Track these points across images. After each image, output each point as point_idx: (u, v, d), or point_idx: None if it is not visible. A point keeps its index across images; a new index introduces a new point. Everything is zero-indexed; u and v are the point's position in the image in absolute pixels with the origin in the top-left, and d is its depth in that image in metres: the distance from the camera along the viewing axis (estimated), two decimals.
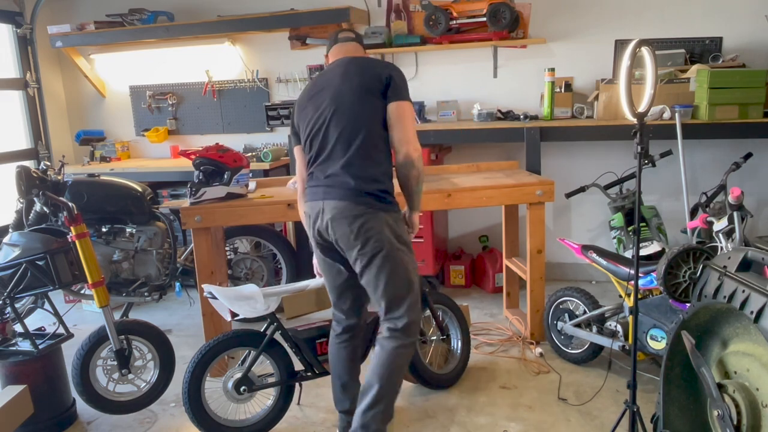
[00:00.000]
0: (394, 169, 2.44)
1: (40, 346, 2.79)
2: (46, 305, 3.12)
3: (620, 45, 4.28)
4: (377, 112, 2.35)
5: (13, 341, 2.86)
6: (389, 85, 2.35)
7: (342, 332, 2.63)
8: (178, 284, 4.02)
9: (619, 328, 3.03)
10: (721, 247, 2.80)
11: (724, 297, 1.94)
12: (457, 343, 3.23)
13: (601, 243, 4.41)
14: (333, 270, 2.51)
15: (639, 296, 2.78)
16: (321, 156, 2.41)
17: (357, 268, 2.38)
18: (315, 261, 2.74)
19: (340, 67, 2.46)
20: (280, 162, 4.66)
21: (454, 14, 4.32)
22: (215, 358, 2.72)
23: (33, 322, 3.34)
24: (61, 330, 2.91)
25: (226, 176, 3.27)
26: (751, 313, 1.80)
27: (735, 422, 1.90)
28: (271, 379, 2.80)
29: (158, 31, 4.72)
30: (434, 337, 3.15)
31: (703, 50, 4.15)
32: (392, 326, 2.39)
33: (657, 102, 3.76)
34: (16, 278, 2.80)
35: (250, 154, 4.66)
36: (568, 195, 3.97)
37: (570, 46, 4.41)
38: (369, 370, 2.40)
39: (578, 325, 3.22)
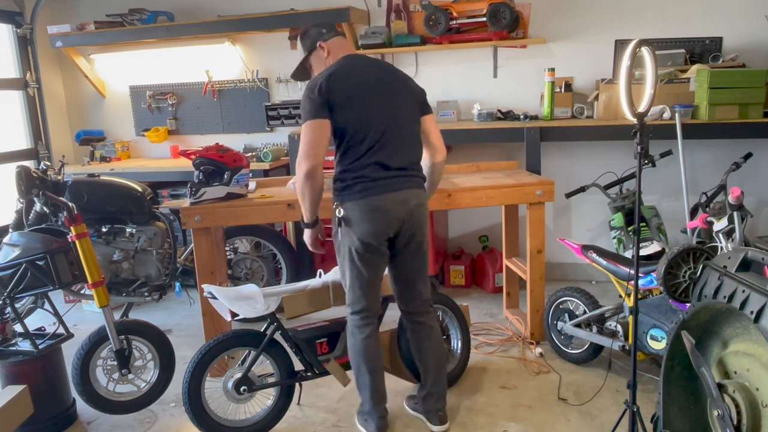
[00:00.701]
0: None
1: (40, 346, 2.79)
2: (46, 305, 3.12)
3: (620, 45, 4.28)
4: (418, 118, 2.64)
5: (13, 341, 2.86)
6: (424, 98, 2.69)
7: (375, 326, 2.66)
8: (178, 284, 4.02)
9: (619, 328, 3.03)
10: (721, 247, 2.80)
11: (724, 297, 1.94)
12: (457, 343, 3.23)
13: (601, 243, 4.41)
14: (382, 263, 2.60)
15: (639, 296, 2.78)
16: (387, 148, 2.47)
17: (411, 254, 2.61)
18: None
19: (376, 68, 2.60)
20: (280, 162, 4.66)
21: (454, 14, 4.32)
22: (215, 358, 2.72)
23: (33, 322, 3.34)
24: (61, 330, 2.91)
25: (226, 176, 3.27)
26: (751, 313, 1.80)
27: (735, 422, 1.90)
28: (271, 379, 2.79)
29: (158, 31, 4.72)
30: None
31: (703, 50, 4.15)
32: (431, 306, 2.77)
33: (657, 102, 3.76)
34: (16, 278, 2.80)
35: (250, 154, 4.67)
36: (568, 195, 3.97)
37: (570, 46, 4.41)
38: (435, 353, 2.73)
39: (578, 325, 3.22)
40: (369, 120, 2.45)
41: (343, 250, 2.55)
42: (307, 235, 2.65)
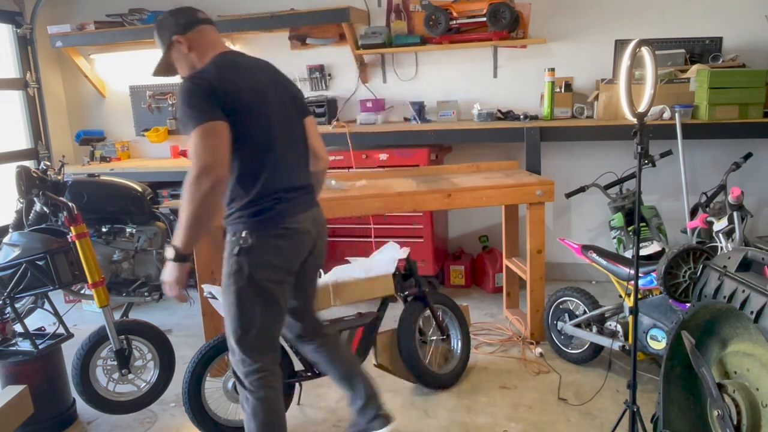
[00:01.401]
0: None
1: (40, 346, 2.79)
2: (46, 305, 3.12)
3: (620, 45, 4.28)
4: (303, 123, 2.34)
5: (13, 341, 2.86)
6: (304, 99, 2.40)
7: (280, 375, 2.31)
8: None
9: (619, 328, 3.03)
10: (721, 247, 2.80)
11: (724, 297, 1.94)
12: (457, 343, 3.23)
13: (601, 243, 4.41)
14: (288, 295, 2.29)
15: (639, 296, 2.78)
16: (291, 164, 2.20)
17: (312, 273, 2.40)
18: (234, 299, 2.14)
19: (263, 70, 2.26)
20: None
21: (454, 14, 4.32)
22: (215, 358, 2.72)
23: (33, 322, 3.33)
24: (61, 330, 2.91)
25: None
26: (751, 313, 1.80)
27: (735, 422, 1.91)
28: None
29: None
30: (434, 337, 3.15)
31: (703, 50, 4.15)
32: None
33: (657, 102, 3.76)
34: (16, 278, 2.80)
35: None
36: (568, 195, 3.97)
37: (570, 46, 4.41)
38: (349, 362, 2.56)
39: (578, 325, 3.22)
40: (271, 133, 2.13)
41: (251, 288, 2.11)
42: (175, 271, 2.02)
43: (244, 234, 2.08)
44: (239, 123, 2.03)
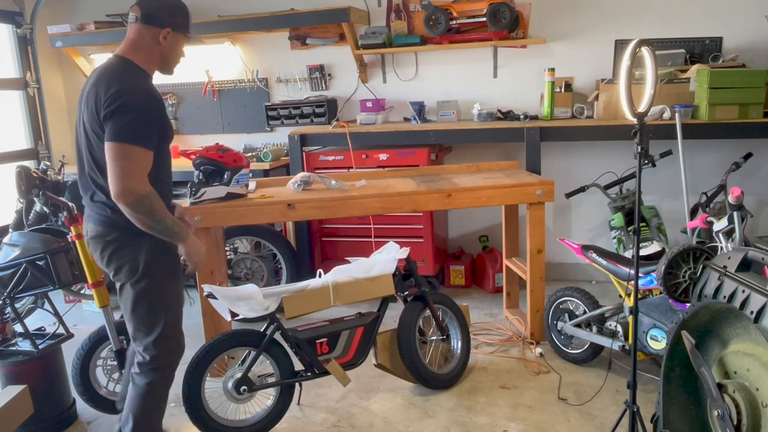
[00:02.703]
0: None
1: (40, 346, 2.79)
2: (46, 305, 3.12)
3: (620, 45, 4.28)
4: (101, 140, 2.17)
5: (13, 341, 2.87)
6: (108, 117, 2.11)
7: None
8: None
9: (619, 328, 3.03)
10: (721, 247, 2.79)
11: (724, 297, 1.94)
12: (457, 343, 3.23)
13: (601, 243, 4.41)
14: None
15: (639, 296, 2.78)
16: (78, 174, 2.37)
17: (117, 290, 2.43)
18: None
19: (94, 81, 2.22)
20: (280, 162, 4.66)
21: (454, 14, 4.32)
22: (215, 358, 2.72)
23: (33, 322, 3.34)
24: (61, 330, 2.91)
25: (226, 176, 3.27)
26: (751, 313, 1.80)
27: (735, 422, 1.91)
28: (271, 379, 2.80)
29: None
30: (434, 337, 3.15)
31: (703, 50, 4.15)
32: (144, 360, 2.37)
33: (657, 102, 3.76)
34: (16, 278, 2.80)
35: (250, 154, 4.66)
36: (568, 195, 3.97)
37: (570, 46, 4.41)
38: (129, 407, 2.38)
39: (578, 325, 3.22)
40: (75, 140, 2.35)
41: None
42: None
43: None
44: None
